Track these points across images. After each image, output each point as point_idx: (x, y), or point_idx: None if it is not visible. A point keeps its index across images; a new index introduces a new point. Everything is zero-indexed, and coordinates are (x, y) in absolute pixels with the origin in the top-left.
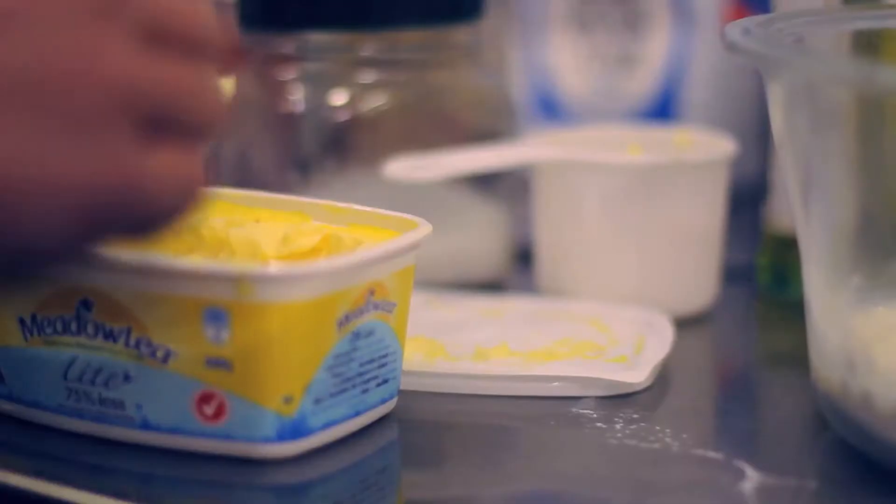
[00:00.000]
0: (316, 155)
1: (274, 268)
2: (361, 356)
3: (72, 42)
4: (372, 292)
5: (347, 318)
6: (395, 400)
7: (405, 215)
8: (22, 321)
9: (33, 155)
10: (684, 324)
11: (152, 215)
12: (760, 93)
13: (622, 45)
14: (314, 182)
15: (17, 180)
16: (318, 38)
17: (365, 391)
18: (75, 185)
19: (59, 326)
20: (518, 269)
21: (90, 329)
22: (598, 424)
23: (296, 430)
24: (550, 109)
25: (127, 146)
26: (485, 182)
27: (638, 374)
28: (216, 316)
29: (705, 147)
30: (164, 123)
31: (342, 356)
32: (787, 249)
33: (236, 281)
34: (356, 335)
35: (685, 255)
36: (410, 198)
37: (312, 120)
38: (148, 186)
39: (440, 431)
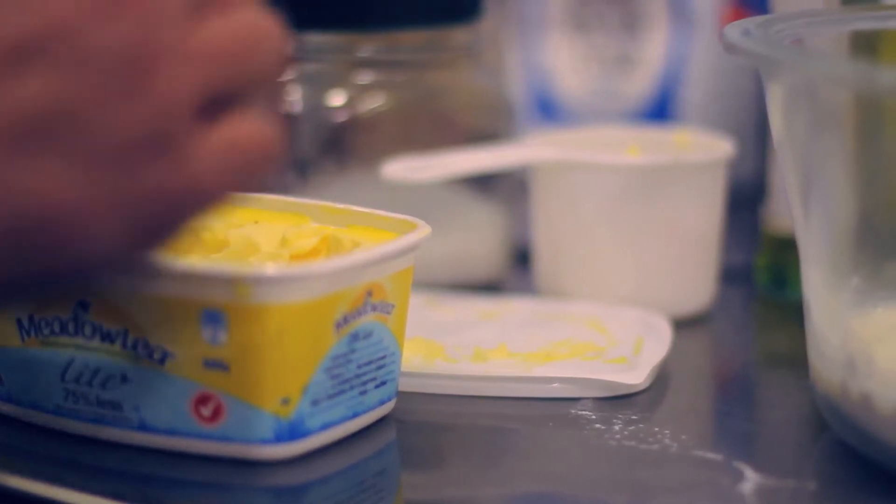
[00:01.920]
0: (314, 156)
1: (271, 269)
2: (359, 358)
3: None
4: (370, 293)
5: (345, 320)
6: (393, 401)
7: (404, 216)
8: (19, 322)
9: (80, 184)
10: (683, 325)
11: (211, 202)
12: (759, 93)
13: (620, 46)
14: (312, 183)
15: (66, 210)
16: (316, 38)
17: (363, 393)
18: (126, 207)
19: (56, 327)
20: (516, 270)
21: (87, 330)
22: (597, 426)
23: (293, 432)
24: (549, 110)
25: (177, 159)
26: (483, 183)
27: (637, 376)
28: (214, 317)
29: (704, 148)
30: (225, 97)
31: (340, 358)
32: (785, 250)
33: (234, 282)
34: (354, 336)
35: (684, 256)
36: (409, 199)
37: (311, 121)
38: (205, 186)
39: (439, 433)
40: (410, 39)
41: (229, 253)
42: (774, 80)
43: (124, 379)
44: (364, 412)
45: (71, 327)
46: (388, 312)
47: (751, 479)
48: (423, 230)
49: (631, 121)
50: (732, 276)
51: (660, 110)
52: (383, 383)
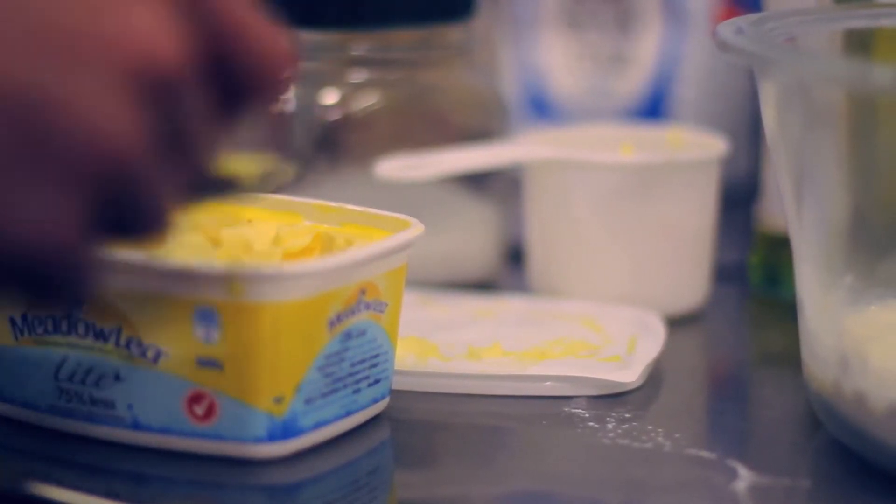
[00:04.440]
0: (307, 154)
1: (265, 268)
2: (353, 356)
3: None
4: (363, 292)
5: (339, 318)
6: (386, 400)
7: (397, 215)
8: (12, 321)
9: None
10: (676, 323)
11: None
12: (752, 92)
13: (614, 45)
14: (306, 181)
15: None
16: (309, 37)
17: (356, 391)
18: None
19: (49, 326)
20: (510, 269)
21: (81, 329)
22: (591, 424)
23: (286, 431)
24: (542, 108)
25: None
26: (477, 181)
27: (630, 374)
28: (207, 316)
29: (697, 146)
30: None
31: (333, 356)
32: (779, 249)
33: (227, 281)
34: (347, 335)
35: (677, 255)
36: (402, 197)
37: (304, 119)
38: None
39: (432, 431)
40: (404, 38)
41: (222, 251)
42: (768, 79)
43: (117, 377)
44: (357, 411)
45: (64, 326)
46: (382, 311)
47: (744, 478)
48: (416, 229)
49: (624, 119)
50: (726, 274)
51: (653, 109)
52: (376, 382)
